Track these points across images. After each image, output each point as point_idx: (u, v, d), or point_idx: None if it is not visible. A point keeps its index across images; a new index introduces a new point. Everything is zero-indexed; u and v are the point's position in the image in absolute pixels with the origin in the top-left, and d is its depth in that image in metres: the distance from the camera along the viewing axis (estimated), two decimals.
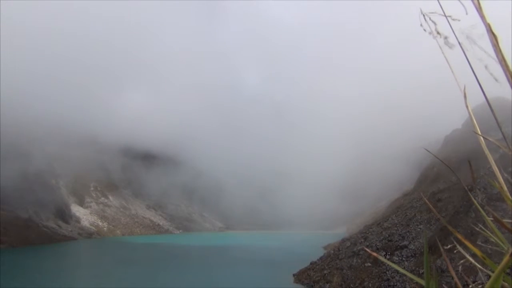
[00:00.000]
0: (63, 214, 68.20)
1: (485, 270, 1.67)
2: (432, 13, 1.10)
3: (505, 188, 1.14)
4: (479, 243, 15.75)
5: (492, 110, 1.09)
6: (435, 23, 1.09)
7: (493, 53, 0.92)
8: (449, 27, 1.06)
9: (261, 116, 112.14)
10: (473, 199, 1.60)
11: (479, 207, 1.49)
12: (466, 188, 24.61)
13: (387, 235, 34.32)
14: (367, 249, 1.79)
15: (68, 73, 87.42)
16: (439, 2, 1.09)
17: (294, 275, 35.88)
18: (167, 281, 35.86)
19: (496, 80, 0.95)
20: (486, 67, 0.98)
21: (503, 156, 22.30)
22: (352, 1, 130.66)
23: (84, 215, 71.92)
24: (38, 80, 76.85)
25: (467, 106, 1.20)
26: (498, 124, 1.11)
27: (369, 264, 30.18)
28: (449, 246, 2.33)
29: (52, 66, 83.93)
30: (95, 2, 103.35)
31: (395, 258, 30.00)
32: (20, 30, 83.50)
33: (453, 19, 1.06)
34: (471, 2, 0.96)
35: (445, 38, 1.07)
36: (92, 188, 78.37)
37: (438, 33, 1.08)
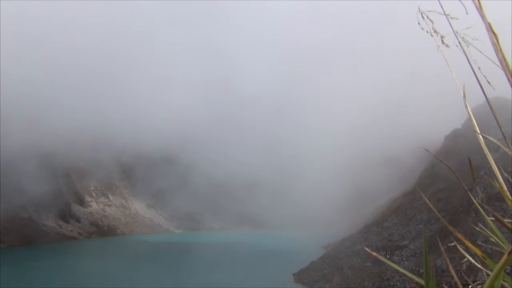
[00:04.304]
0: (63, 214, 68.25)
1: (485, 270, 1.67)
2: (430, 11, 1.10)
3: (505, 188, 1.14)
4: (479, 242, 15.75)
5: (492, 109, 1.09)
6: (432, 22, 1.09)
7: (491, 53, 0.92)
8: (448, 26, 1.06)
9: (261, 114, 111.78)
10: (473, 198, 1.60)
11: (479, 207, 1.49)
12: (466, 188, 24.63)
13: (387, 235, 34.35)
14: (367, 249, 1.79)
15: (66, 74, 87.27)
16: (439, 1, 1.09)
17: (294, 274, 35.90)
18: (167, 279, 35.88)
19: (488, 82, 0.96)
20: (479, 68, 0.98)
21: (503, 155, 22.28)
22: (355, 2, 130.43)
23: (84, 215, 71.92)
24: (35, 82, 76.80)
25: (466, 106, 1.20)
26: (498, 123, 1.11)
27: (369, 264, 30.19)
28: (453, 244, 2.33)
29: (49, 67, 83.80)
30: (92, 2, 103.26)
31: (395, 257, 30.03)
32: (20, 31, 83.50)
33: (452, 18, 1.06)
34: (471, 2, 0.96)
35: (442, 37, 1.07)
36: (92, 188, 78.36)
37: (435, 31, 1.08)
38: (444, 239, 24.07)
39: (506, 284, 1.31)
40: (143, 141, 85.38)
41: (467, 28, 1.05)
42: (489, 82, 0.97)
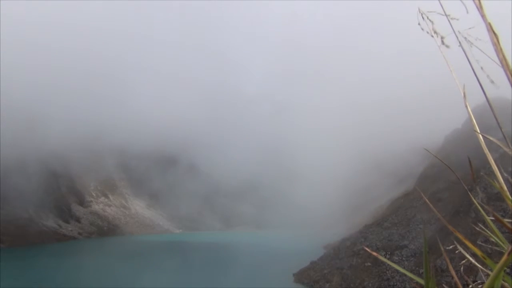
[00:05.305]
0: (63, 214, 68.25)
1: (485, 270, 1.67)
2: (431, 12, 1.10)
3: (505, 187, 1.14)
4: (479, 242, 15.76)
5: (492, 110, 1.09)
6: (432, 22, 1.09)
7: (491, 53, 0.92)
8: (449, 26, 1.06)
9: (261, 114, 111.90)
10: (473, 198, 1.60)
11: (479, 207, 1.49)
12: (466, 188, 24.62)
13: (387, 235, 34.35)
14: (367, 249, 1.79)
15: (66, 76, 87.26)
16: (439, 1, 1.09)
17: (294, 274, 35.90)
18: (167, 280, 35.88)
19: (492, 81, 0.95)
20: (482, 68, 0.98)
21: (503, 155, 22.30)
22: (354, 1, 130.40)
23: (84, 215, 71.93)
24: (36, 84, 76.93)
25: (466, 106, 1.20)
26: (498, 123, 1.11)
27: (369, 264, 30.19)
28: (451, 247, 2.33)
29: (49, 70, 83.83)
30: (91, 4, 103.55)
31: (395, 257, 30.02)
32: (19, 35, 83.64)
33: (452, 18, 1.06)
34: (471, 1, 0.96)
35: (442, 38, 1.07)
36: (92, 188, 78.37)
37: (435, 32, 1.08)
38: (444, 239, 24.07)
39: (506, 284, 1.32)
40: (143, 141, 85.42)
41: (470, 28, 1.05)
42: (492, 81, 0.97)
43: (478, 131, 1.21)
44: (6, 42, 72.54)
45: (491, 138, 1.19)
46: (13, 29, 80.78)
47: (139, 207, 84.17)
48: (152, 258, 49.69)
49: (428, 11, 1.12)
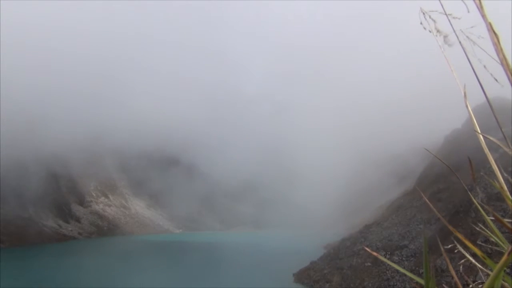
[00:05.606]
0: (63, 214, 68.25)
1: (485, 270, 1.67)
2: (432, 11, 1.10)
3: (505, 187, 1.14)
4: (479, 242, 15.76)
5: (492, 109, 1.09)
6: (434, 21, 1.09)
7: (493, 52, 0.93)
8: (450, 26, 1.06)
9: (261, 114, 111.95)
10: (473, 198, 1.60)
11: (479, 206, 1.49)
12: (466, 188, 24.62)
13: (387, 235, 34.35)
14: (367, 249, 1.79)
15: (66, 77, 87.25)
16: (439, 1, 1.09)
17: (294, 274, 35.89)
18: (167, 280, 35.86)
19: (496, 80, 0.95)
20: (485, 67, 0.98)
21: (503, 155, 22.27)
22: (354, 1, 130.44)
23: (84, 215, 71.94)
24: (35, 84, 76.96)
25: (467, 106, 1.20)
26: (498, 123, 1.11)
27: (369, 264, 30.19)
28: (449, 246, 2.33)
29: (49, 72, 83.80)
30: (91, 5, 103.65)
31: (395, 257, 30.02)
32: (20, 38, 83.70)
33: (454, 17, 1.06)
34: (472, 1, 0.96)
35: (445, 36, 1.07)
36: (92, 188, 78.37)
37: (438, 31, 1.08)
38: (444, 239, 24.06)
39: (506, 284, 1.31)
40: (143, 141, 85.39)
41: (472, 27, 1.05)
42: (496, 80, 0.97)
43: (478, 131, 1.21)
44: (6, 43, 72.61)
45: (491, 138, 1.19)
46: (12, 31, 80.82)
47: (139, 207, 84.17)
48: (152, 258, 49.68)
49: (429, 11, 1.12)
